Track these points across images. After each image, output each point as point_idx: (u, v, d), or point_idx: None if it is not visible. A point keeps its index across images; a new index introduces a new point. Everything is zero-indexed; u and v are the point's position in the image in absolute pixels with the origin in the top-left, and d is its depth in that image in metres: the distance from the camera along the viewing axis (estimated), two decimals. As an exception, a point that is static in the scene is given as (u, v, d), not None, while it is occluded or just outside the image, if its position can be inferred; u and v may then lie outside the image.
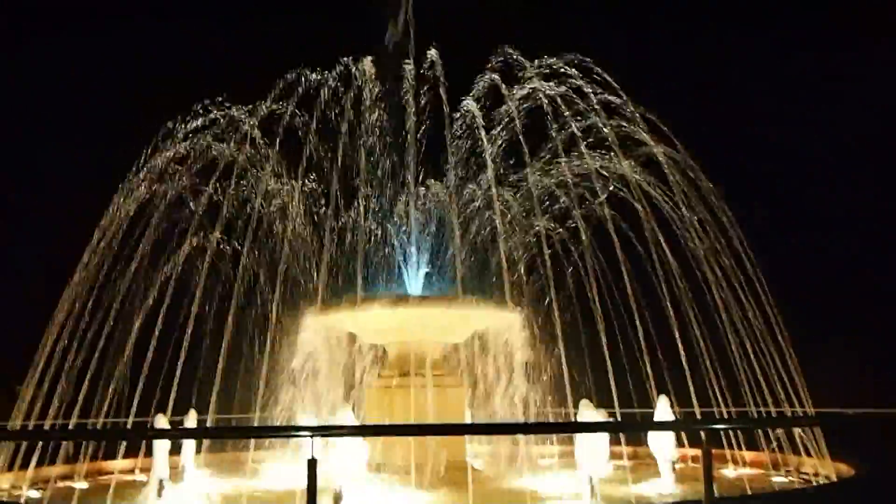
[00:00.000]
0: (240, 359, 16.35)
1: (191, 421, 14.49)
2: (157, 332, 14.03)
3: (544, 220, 16.37)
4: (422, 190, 16.25)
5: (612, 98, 15.75)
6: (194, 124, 16.01)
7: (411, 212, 16.00)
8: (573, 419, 13.76)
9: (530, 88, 15.94)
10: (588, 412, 13.08)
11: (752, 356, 14.49)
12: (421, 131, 16.21)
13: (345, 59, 16.16)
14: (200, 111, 16.09)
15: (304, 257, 17.04)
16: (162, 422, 13.45)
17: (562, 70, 15.76)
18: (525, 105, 16.03)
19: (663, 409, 13.82)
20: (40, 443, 13.99)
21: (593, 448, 12.56)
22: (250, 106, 16.19)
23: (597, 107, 15.61)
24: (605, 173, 16.03)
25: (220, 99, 16.26)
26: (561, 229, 17.01)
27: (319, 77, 16.02)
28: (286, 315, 16.11)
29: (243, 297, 15.93)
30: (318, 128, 15.73)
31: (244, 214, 16.31)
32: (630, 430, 15.70)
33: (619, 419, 14.28)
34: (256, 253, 16.73)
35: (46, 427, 14.03)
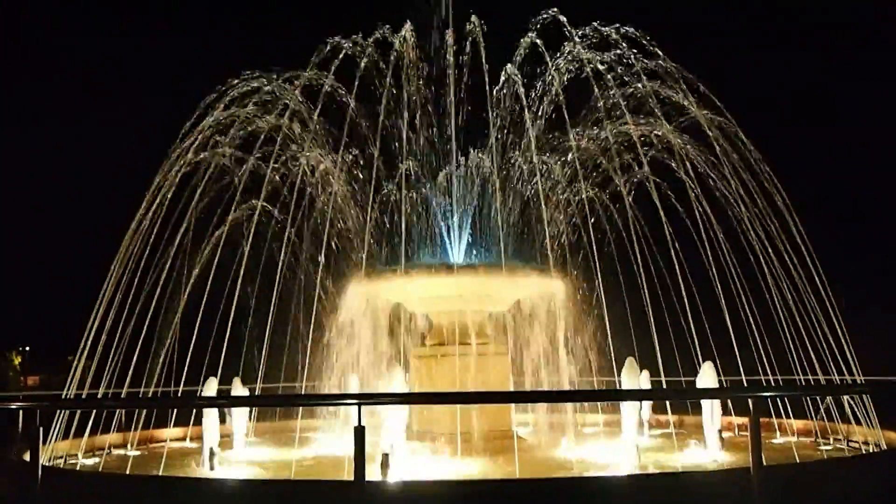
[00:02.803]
0: (286, 329, 16.54)
1: (237, 389, 14.70)
2: (204, 302, 14.22)
3: (587, 186, 16.25)
4: (463, 159, 16.18)
5: (653, 63, 15.48)
6: (235, 94, 16.05)
7: (453, 179, 15.95)
8: (617, 387, 13.77)
9: (573, 55, 15.71)
10: (632, 371, 13.04)
11: (799, 323, 14.31)
12: (461, 93, 16.14)
13: (384, 26, 16.04)
14: (241, 81, 16.12)
15: (347, 226, 17.13)
16: (213, 385, 13.64)
17: (608, 38, 15.49)
18: (568, 70, 15.82)
19: (708, 376, 13.72)
20: (94, 411, 14.33)
21: (634, 414, 12.53)
22: (289, 75, 16.18)
23: (640, 72, 15.36)
24: (649, 138, 15.84)
25: (256, 72, 16.27)
26: (604, 195, 16.88)
27: (359, 46, 15.93)
28: (330, 284, 16.25)
29: (287, 266, 16.10)
30: (358, 96, 15.69)
31: (287, 185, 16.41)
32: (675, 398, 15.63)
33: (665, 387, 14.25)
34: (300, 222, 16.86)
35: (99, 396, 14.37)
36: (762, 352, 14.28)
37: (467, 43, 16.08)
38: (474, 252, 16.01)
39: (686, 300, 13.76)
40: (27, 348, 61.66)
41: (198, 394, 13.93)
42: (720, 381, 13.96)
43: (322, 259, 15.26)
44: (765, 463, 8.00)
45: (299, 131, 16.37)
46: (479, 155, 16.01)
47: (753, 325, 14.17)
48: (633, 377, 13.08)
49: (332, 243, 16.57)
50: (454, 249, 15.93)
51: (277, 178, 16.29)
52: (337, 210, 16.59)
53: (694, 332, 13.82)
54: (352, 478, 7.76)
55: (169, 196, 15.54)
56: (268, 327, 14.30)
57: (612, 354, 13.46)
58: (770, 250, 14.66)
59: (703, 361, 13.88)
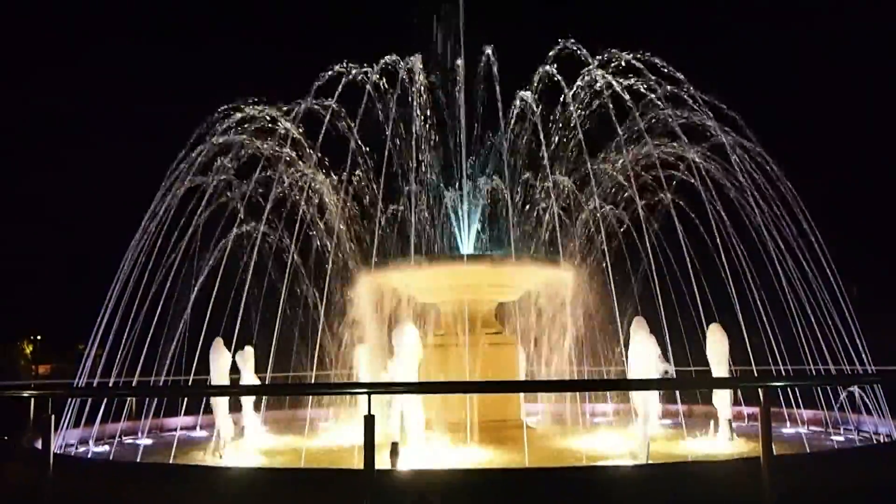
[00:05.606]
0: (295, 318, 16.60)
1: (247, 356, 14.67)
2: (214, 293, 14.27)
3: (601, 203, 16.33)
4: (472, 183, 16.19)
5: (674, 87, 15.41)
6: (238, 119, 16.13)
7: (464, 175, 15.93)
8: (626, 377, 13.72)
9: (591, 79, 15.66)
10: (641, 329, 12.92)
11: (810, 313, 14.27)
12: (476, 106, 16.18)
13: (392, 56, 16.00)
14: (242, 107, 16.18)
15: (357, 225, 17.21)
16: (220, 346, 13.63)
17: (627, 64, 15.43)
18: (586, 95, 15.80)
19: (717, 340, 13.66)
20: (105, 400, 14.40)
21: (645, 401, 12.48)
22: (292, 103, 16.21)
23: (660, 95, 15.31)
24: (667, 157, 15.83)
25: (260, 98, 16.33)
26: (618, 210, 16.93)
27: (366, 73, 15.91)
28: (340, 276, 16.30)
29: (296, 260, 16.19)
30: (364, 119, 15.67)
31: (295, 192, 16.52)
32: (686, 387, 15.59)
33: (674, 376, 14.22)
34: (310, 223, 16.94)
35: (110, 384, 14.44)
36: (773, 341, 14.24)
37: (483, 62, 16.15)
38: (486, 242, 16.04)
39: (696, 290, 13.73)
40: (38, 337, 61.98)
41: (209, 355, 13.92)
42: (731, 371, 13.95)
43: (331, 252, 15.31)
44: (775, 452, 7.98)
45: (302, 156, 16.49)
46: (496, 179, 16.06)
47: (764, 316, 14.13)
48: (643, 334, 12.89)
49: (342, 238, 16.68)
50: (464, 240, 15.94)
51: (295, 179, 16.41)
52: (344, 220, 16.70)
53: (704, 322, 13.81)
54: (361, 466, 7.78)
55: (180, 193, 15.62)
56: (278, 317, 14.33)
57: (623, 345, 13.45)
58: (781, 243, 14.63)
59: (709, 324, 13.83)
